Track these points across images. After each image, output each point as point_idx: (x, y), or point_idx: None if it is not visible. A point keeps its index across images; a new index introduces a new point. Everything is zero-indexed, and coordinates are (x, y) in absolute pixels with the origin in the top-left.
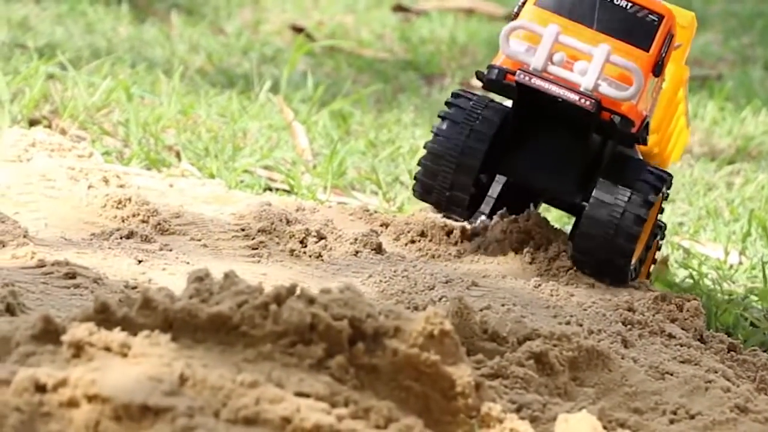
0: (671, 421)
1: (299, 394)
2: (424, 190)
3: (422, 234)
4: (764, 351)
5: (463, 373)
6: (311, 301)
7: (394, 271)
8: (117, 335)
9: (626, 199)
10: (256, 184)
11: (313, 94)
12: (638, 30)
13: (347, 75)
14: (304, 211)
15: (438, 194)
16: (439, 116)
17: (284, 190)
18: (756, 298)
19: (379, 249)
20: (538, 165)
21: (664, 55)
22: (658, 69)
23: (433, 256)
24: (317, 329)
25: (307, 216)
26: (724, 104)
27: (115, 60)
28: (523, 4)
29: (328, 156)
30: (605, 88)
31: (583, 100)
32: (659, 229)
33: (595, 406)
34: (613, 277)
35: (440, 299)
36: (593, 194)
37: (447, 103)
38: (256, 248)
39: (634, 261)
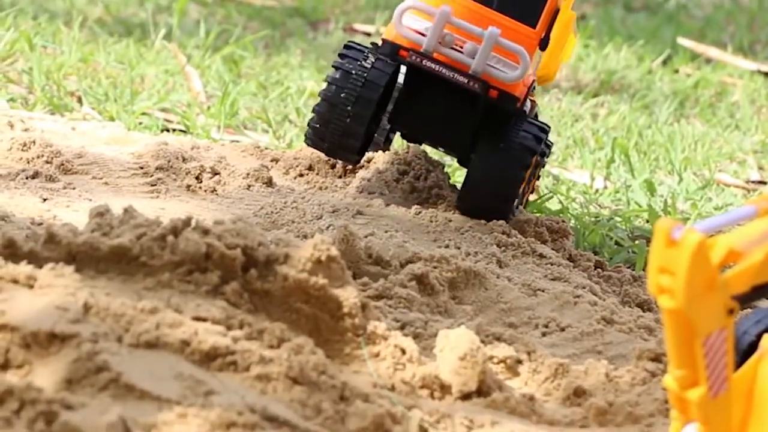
0: (543, 334)
1: (197, 319)
2: (317, 136)
3: (310, 168)
4: (628, 267)
5: (349, 295)
6: (206, 231)
7: (284, 203)
8: (23, 268)
9: (504, 164)
10: (154, 125)
11: (205, 40)
12: (526, 7)
13: (237, 22)
14: (199, 150)
15: (330, 141)
16: (333, 66)
17: (180, 131)
18: (620, 219)
19: (269, 183)
20: (429, 121)
21: (550, 29)
22: (544, 44)
23: (320, 188)
24: (212, 258)
25: (202, 154)
26: (588, 42)
27: (17, 12)
28: None
29: (220, 97)
30: (493, 71)
31: (471, 83)
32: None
33: (473, 321)
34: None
35: (327, 228)
36: (474, 159)
37: (340, 54)
38: (155, 185)
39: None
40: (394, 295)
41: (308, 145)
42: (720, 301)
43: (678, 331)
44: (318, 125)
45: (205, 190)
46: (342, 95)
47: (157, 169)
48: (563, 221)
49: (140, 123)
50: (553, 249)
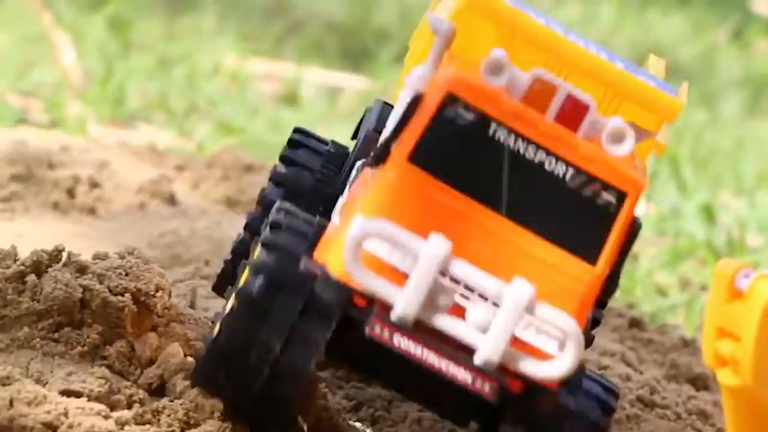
0: None
1: (67, 393)
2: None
3: (228, 179)
4: (675, 328)
5: None
6: (82, 269)
7: (192, 229)
8: None
9: None
10: (7, 115)
11: None
12: (581, 223)
13: None
14: (72, 152)
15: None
16: (255, 269)
17: (45, 124)
18: (666, 259)
19: (172, 200)
20: (401, 370)
21: (621, 264)
22: (610, 290)
23: (243, 208)
24: (90, 307)
25: (75, 157)
26: (625, 3)
27: None
28: (387, 147)
29: (102, 77)
30: (518, 360)
31: (479, 383)
32: None
33: None
34: None
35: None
36: None
37: (257, 268)
38: (9, 200)
39: None
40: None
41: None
42: None
43: (744, 418)
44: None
45: (81, 210)
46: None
47: (11, 178)
48: None
49: None
50: None
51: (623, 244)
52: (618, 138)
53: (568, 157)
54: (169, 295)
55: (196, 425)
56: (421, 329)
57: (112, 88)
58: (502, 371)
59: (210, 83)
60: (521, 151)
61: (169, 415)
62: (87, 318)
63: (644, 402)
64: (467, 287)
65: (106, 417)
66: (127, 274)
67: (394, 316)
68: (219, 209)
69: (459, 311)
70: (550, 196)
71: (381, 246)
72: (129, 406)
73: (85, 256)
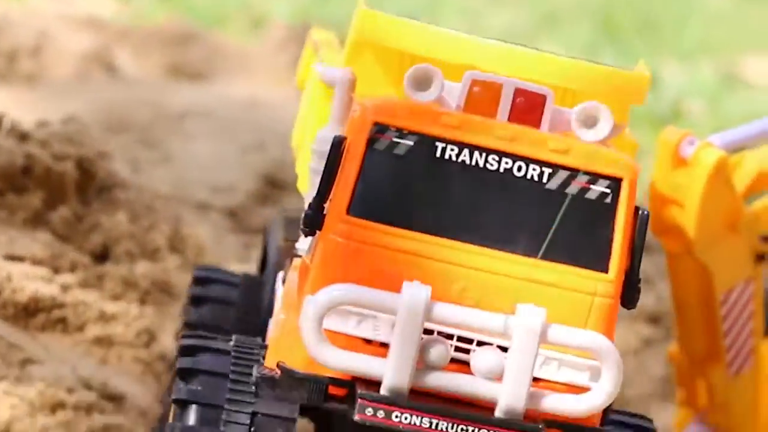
0: None
1: (10, 258)
2: None
3: (169, 47)
4: None
5: None
6: (24, 136)
7: (134, 97)
8: None
9: None
10: None
11: None
12: (575, 227)
13: None
14: (12, 20)
15: None
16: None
17: None
18: None
19: (113, 68)
20: None
21: (637, 263)
22: (631, 296)
23: (188, 77)
24: (33, 173)
25: (16, 26)
26: None
27: None
28: (318, 208)
29: None
30: (550, 403)
31: None
32: None
33: None
34: None
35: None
36: None
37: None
38: None
39: None
40: None
41: None
42: (746, 243)
43: (687, 283)
44: None
45: (22, 78)
46: None
47: None
48: None
49: None
50: None
51: (633, 238)
52: (591, 120)
53: (538, 155)
54: (112, 162)
55: (138, 289)
56: (419, 398)
57: None
58: (531, 420)
59: None
60: (480, 164)
61: (112, 280)
62: (30, 184)
63: None
64: (461, 339)
65: (50, 281)
66: (69, 141)
67: (384, 388)
68: (160, 77)
69: (459, 368)
70: (529, 206)
71: (346, 320)
72: (72, 271)
73: (27, 124)
